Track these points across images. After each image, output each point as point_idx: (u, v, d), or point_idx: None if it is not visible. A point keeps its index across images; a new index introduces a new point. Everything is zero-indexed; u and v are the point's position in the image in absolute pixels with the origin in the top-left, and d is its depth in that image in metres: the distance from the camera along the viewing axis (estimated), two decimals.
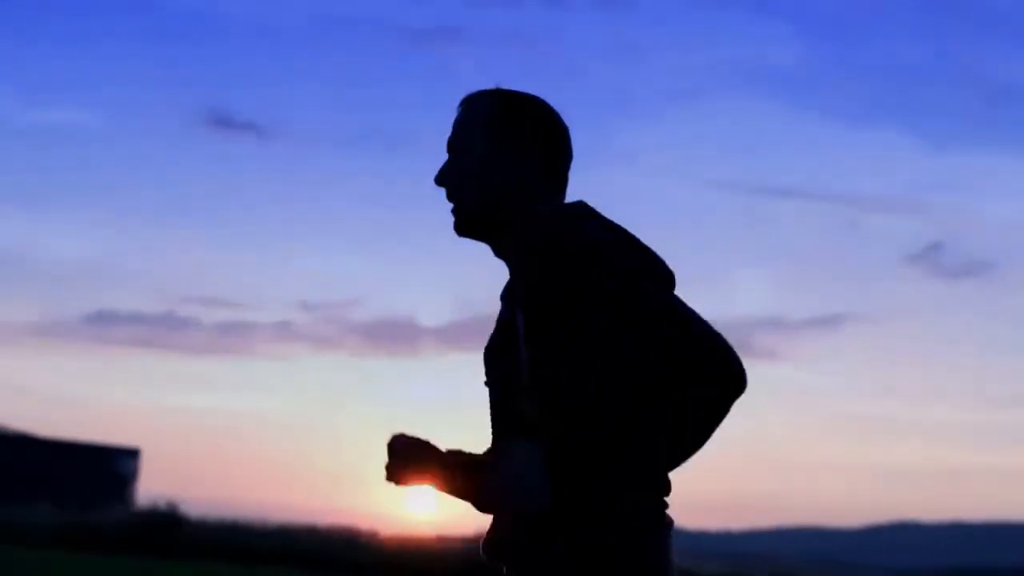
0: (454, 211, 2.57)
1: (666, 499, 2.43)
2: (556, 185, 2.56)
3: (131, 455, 40.15)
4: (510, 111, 2.56)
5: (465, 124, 2.58)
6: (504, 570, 2.47)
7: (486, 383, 2.55)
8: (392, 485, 2.53)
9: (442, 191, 2.58)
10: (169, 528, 25.17)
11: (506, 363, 2.48)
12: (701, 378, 2.31)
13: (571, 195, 2.58)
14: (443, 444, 2.53)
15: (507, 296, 2.55)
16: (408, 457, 2.50)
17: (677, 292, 2.41)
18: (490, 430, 2.55)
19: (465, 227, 2.57)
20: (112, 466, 39.22)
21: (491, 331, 2.57)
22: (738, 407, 2.37)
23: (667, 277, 2.40)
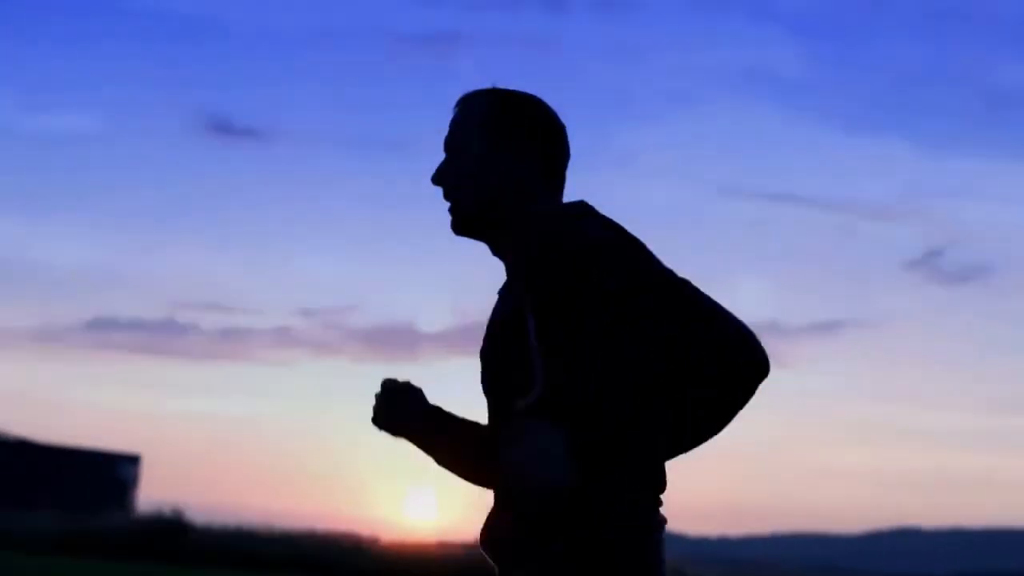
0: (451, 210, 2.56)
1: (661, 496, 2.43)
2: (554, 185, 2.56)
3: (131, 461, 40.09)
4: (507, 111, 2.55)
5: (462, 123, 2.57)
6: (497, 570, 2.47)
7: (482, 382, 2.55)
8: (380, 432, 2.59)
9: (440, 194, 2.57)
10: (175, 534, 25.14)
11: (502, 360, 2.47)
12: (701, 378, 2.31)
13: (568, 197, 2.57)
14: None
15: (505, 294, 2.55)
16: (394, 403, 2.56)
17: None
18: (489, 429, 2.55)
19: (462, 226, 2.57)
20: (112, 472, 39.14)
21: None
22: (737, 415, 2.36)
23: (667, 274, 2.39)
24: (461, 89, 2.60)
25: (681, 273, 2.40)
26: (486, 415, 2.56)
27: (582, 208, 2.49)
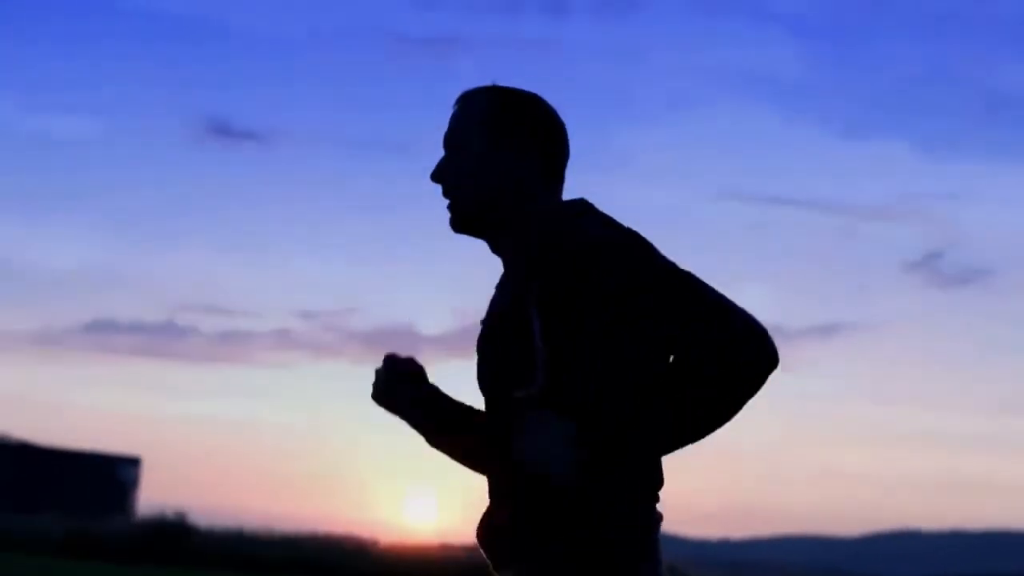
0: (450, 208, 2.55)
1: (658, 493, 2.42)
2: (554, 183, 2.54)
3: (132, 463, 40.12)
4: (508, 109, 2.53)
5: (462, 121, 2.55)
6: (492, 565, 2.47)
7: (478, 373, 2.54)
8: (380, 409, 2.58)
9: (439, 192, 2.56)
10: (178, 537, 25.15)
11: (501, 354, 2.47)
12: (701, 378, 2.31)
13: (568, 198, 2.54)
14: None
15: (504, 287, 2.54)
16: (394, 391, 2.56)
17: None
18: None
19: (461, 224, 2.55)
20: (113, 474, 39.18)
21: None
22: (738, 414, 2.37)
23: (671, 267, 2.38)
24: (461, 90, 2.58)
25: None
26: (483, 408, 2.55)
27: (582, 206, 2.49)
